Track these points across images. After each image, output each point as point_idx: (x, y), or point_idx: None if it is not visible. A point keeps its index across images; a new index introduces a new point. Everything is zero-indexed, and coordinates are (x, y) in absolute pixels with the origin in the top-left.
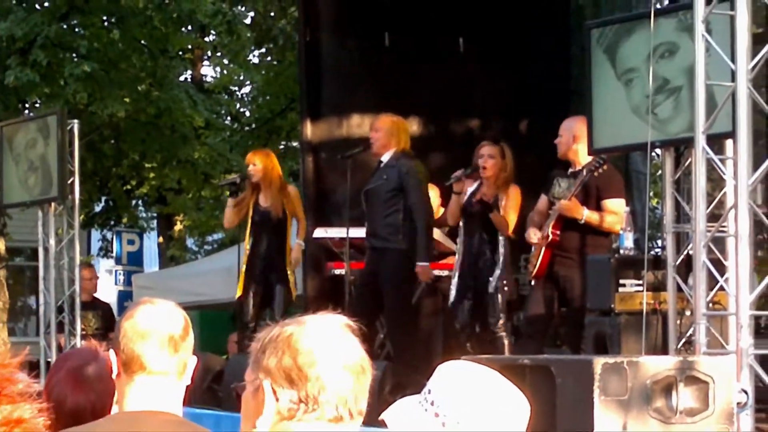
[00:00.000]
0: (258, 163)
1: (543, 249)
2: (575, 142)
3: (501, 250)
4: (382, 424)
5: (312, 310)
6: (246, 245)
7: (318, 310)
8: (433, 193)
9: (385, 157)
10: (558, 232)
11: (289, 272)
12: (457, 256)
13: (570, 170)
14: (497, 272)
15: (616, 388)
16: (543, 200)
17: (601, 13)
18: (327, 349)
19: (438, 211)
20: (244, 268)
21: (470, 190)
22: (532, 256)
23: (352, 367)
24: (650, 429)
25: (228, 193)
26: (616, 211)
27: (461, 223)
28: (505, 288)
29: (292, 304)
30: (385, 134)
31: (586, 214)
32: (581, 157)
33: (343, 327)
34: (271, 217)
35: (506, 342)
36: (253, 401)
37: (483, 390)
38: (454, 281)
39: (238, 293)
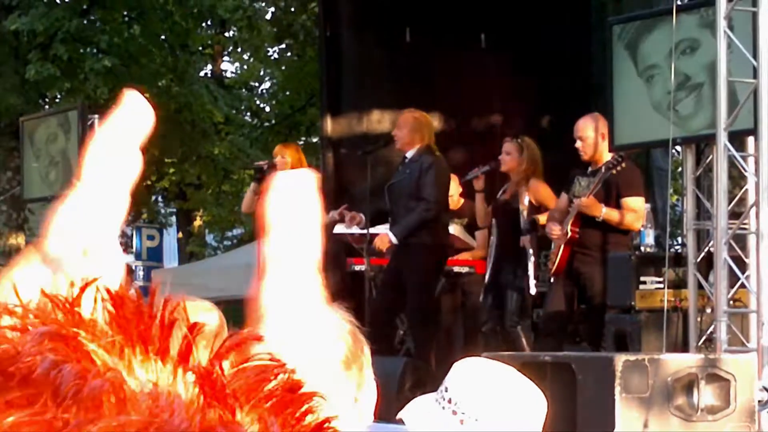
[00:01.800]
0: (287, 156)
1: (562, 246)
2: (600, 139)
3: (529, 251)
4: (401, 423)
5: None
6: None
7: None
8: (453, 184)
9: (410, 153)
10: (577, 230)
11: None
12: (489, 253)
13: (590, 168)
14: (521, 271)
15: (638, 385)
16: (563, 198)
17: (622, 9)
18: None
19: (458, 201)
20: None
21: (500, 192)
22: (552, 253)
23: (316, 368)
24: (671, 427)
25: (253, 177)
26: (635, 209)
27: (493, 223)
28: (529, 287)
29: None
30: (409, 131)
31: (605, 212)
32: (602, 155)
33: (321, 325)
34: None
35: (524, 339)
36: None
37: (500, 387)
38: (486, 279)
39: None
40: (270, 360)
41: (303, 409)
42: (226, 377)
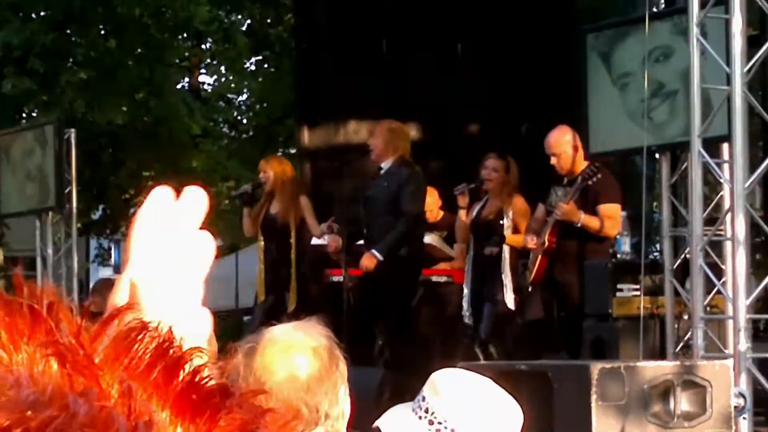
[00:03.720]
0: (269, 170)
1: (540, 256)
2: (575, 152)
3: (506, 263)
4: None
5: (307, 318)
6: (260, 252)
7: (316, 316)
8: (432, 198)
9: (385, 165)
10: (555, 239)
11: (292, 280)
12: (467, 269)
13: (566, 179)
14: (505, 284)
15: (614, 393)
16: (540, 209)
17: (600, 17)
18: (263, 367)
19: (438, 214)
20: (261, 274)
21: (478, 206)
22: (530, 262)
23: (290, 382)
24: None
25: (242, 203)
26: (612, 216)
27: (471, 237)
28: (508, 298)
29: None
30: (383, 142)
31: (583, 218)
32: (578, 165)
33: (294, 341)
34: (276, 224)
35: (495, 353)
36: None
37: (476, 397)
38: (466, 294)
39: (261, 298)
40: (137, 324)
41: (173, 364)
42: (88, 348)
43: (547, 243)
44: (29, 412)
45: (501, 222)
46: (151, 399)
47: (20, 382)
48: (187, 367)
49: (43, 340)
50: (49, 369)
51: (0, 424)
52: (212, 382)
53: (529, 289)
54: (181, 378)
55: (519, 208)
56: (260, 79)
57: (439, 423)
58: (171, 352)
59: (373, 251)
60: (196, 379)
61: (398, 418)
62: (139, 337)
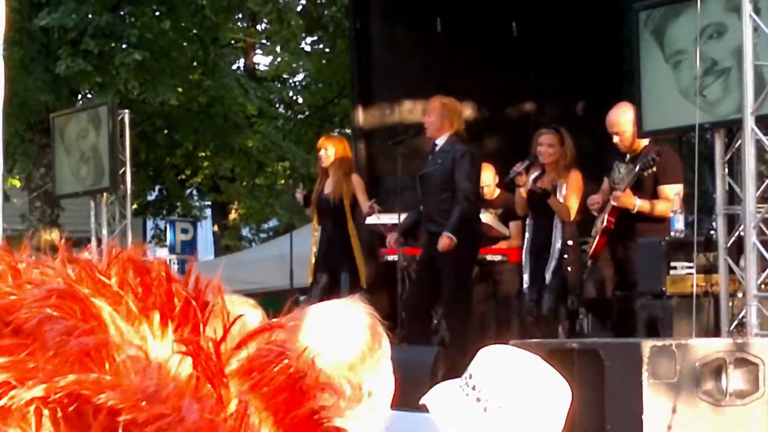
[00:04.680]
0: (330, 147)
1: (599, 235)
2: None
3: (558, 236)
4: (423, 409)
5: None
6: (314, 232)
7: (373, 296)
8: (489, 173)
9: (440, 141)
10: (613, 220)
11: (357, 257)
12: (526, 242)
13: (629, 155)
14: (555, 258)
15: (665, 370)
16: (605, 184)
17: None
18: (306, 345)
19: (494, 191)
20: (313, 256)
21: (533, 176)
22: (591, 238)
23: (332, 360)
24: (700, 412)
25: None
26: (671, 198)
27: (529, 212)
28: (568, 270)
29: (358, 290)
30: (438, 118)
31: (638, 205)
32: (639, 142)
33: (337, 319)
34: (330, 203)
35: (560, 325)
36: None
37: (524, 375)
38: (525, 267)
39: (309, 279)
40: (279, 347)
41: (299, 395)
42: (222, 356)
43: (606, 223)
44: (144, 403)
45: (556, 196)
46: (266, 422)
47: (148, 370)
48: (311, 402)
49: (187, 336)
50: (180, 365)
51: (113, 405)
52: (330, 424)
53: (589, 264)
54: (302, 410)
55: (574, 183)
56: (315, 60)
57: (486, 400)
58: (301, 383)
59: (448, 234)
60: (316, 417)
61: (445, 394)
62: (277, 358)
